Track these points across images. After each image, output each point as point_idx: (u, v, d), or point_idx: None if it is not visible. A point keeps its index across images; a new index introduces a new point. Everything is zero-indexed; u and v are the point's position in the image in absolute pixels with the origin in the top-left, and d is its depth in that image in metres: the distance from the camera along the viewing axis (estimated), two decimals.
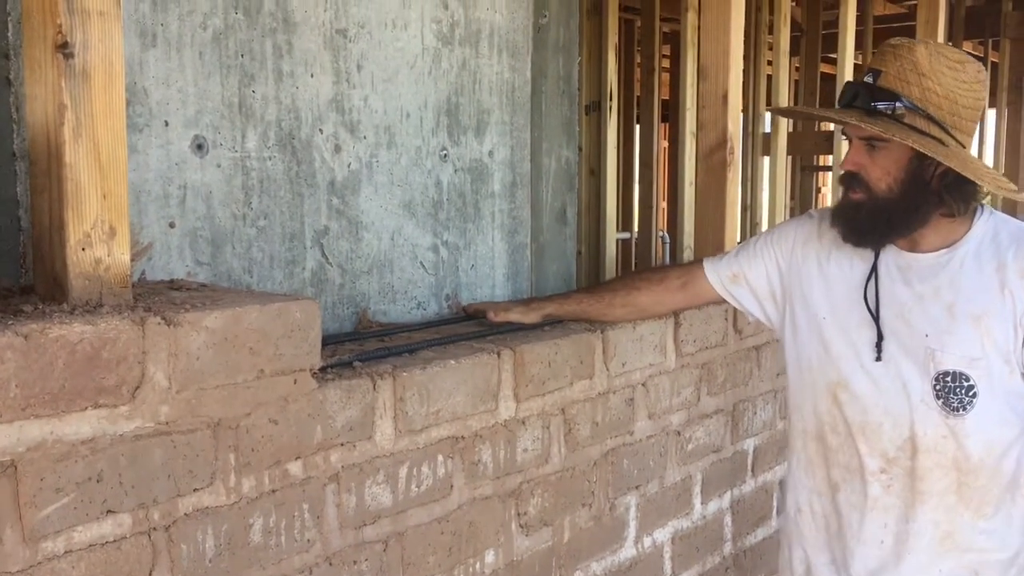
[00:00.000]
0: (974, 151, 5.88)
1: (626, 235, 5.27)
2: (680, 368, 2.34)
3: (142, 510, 1.26)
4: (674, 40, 4.94)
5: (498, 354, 1.82)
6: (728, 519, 2.61)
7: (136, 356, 1.23)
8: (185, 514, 1.32)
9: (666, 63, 6.36)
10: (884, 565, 1.68)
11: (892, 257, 1.66)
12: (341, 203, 1.97)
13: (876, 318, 1.64)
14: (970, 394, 1.56)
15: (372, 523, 1.59)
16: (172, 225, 1.69)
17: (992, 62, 6.15)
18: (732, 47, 2.70)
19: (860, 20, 5.14)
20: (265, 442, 1.41)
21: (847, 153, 1.64)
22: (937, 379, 1.58)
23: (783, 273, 1.83)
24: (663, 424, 2.30)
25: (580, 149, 3.83)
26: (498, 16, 2.29)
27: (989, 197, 1.75)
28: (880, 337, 1.63)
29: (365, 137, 2.01)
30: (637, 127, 5.31)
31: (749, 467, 2.68)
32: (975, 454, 1.59)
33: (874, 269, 1.66)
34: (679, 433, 2.36)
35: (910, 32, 4.19)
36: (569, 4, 2.56)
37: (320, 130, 1.92)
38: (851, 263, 1.71)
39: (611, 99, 3.79)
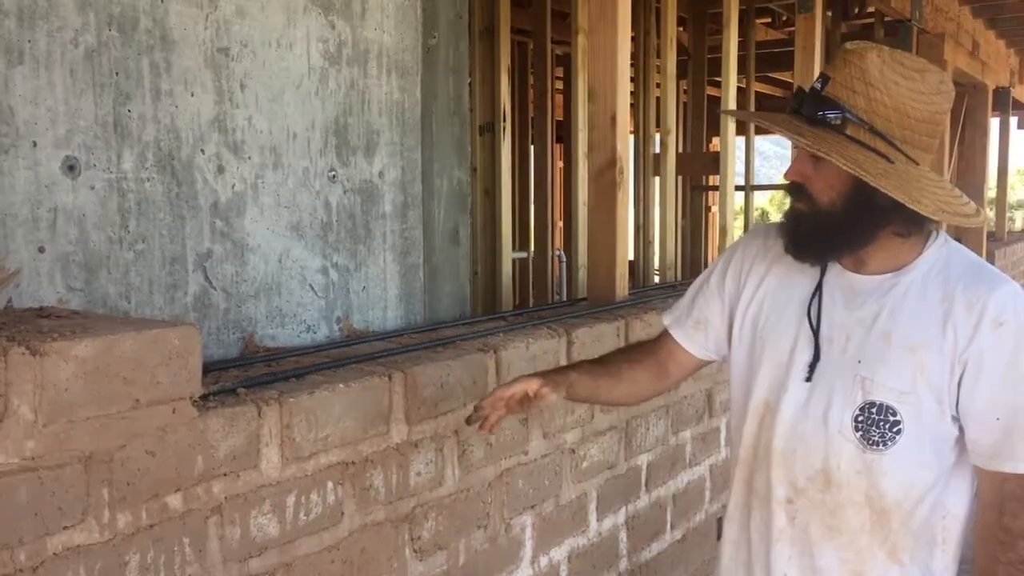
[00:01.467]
0: None
1: (523, 254, 5.30)
2: None
3: (6, 551, 1.19)
4: (567, 62, 5.02)
5: (389, 377, 1.79)
6: (623, 535, 2.63)
7: None
8: (54, 554, 1.25)
9: (560, 84, 6.46)
10: None
11: (836, 277, 1.55)
12: (225, 225, 1.92)
13: (816, 339, 1.53)
14: (893, 430, 1.46)
15: (258, 555, 1.54)
16: (42, 250, 1.61)
17: None
18: (619, 70, 2.76)
19: (743, 45, 5.32)
20: (142, 475, 1.35)
21: (792, 162, 1.52)
22: (862, 410, 1.48)
23: (732, 298, 1.69)
24: (557, 442, 2.31)
25: (474, 170, 3.85)
26: (386, 36, 2.28)
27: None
28: (816, 359, 1.53)
29: (250, 158, 1.96)
30: (532, 148, 5.36)
31: (643, 482, 2.72)
32: (890, 494, 1.48)
33: (819, 287, 1.55)
34: (573, 451, 2.38)
35: (790, 58, 4.36)
36: (458, 26, 2.56)
37: (202, 151, 1.86)
38: (795, 280, 1.60)
39: (504, 120, 3.82)
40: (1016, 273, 9.32)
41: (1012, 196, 13.53)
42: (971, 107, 7.61)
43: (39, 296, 1.60)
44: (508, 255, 3.84)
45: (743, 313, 1.66)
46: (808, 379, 1.53)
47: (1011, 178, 11.19)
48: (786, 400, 1.55)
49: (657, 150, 4.70)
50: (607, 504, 2.53)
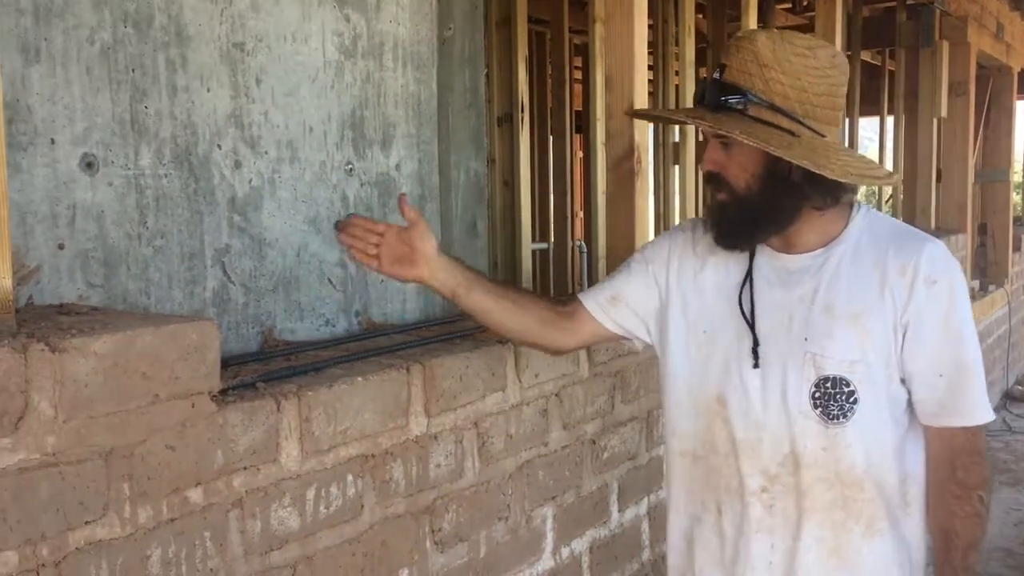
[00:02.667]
0: (870, 153, 6.01)
1: (543, 246, 5.28)
2: (593, 377, 2.35)
3: (29, 546, 1.20)
4: (585, 52, 4.99)
5: (407, 369, 1.80)
6: (646, 525, 2.62)
7: (18, 385, 1.17)
8: (76, 548, 1.26)
9: (578, 74, 6.43)
10: None
11: (767, 260, 1.57)
12: (243, 220, 1.93)
13: (752, 324, 1.54)
14: (851, 400, 1.49)
15: (279, 548, 1.55)
16: (61, 247, 1.62)
17: (889, 70, 6.38)
18: (636, 58, 2.74)
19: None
20: (162, 469, 1.36)
21: (706, 152, 1.55)
22: (817, 386, 1.49)
23: (661, 289, 1.69)
24: (578, 434, 2.30)
25: (493, 161, 3.84)
26: (402, 28, 2.28)
27: (861, 193, 1.66)
28: (756, 343, 1.54)
29: (267, 152, 1.97)
30: (551, 138, 5.34)
31: (665, 472, 2.70)
32: (858, 465, 1.51)
33: (749, 273, 1.57)
34: (594, 442, 2.37)
35: None
36: (474, 16, 2.56)
37: (218, 146, 1.87)
38: (727, 269, 1.61)
39: (522, 111, 3.80)
40: None
41: None
42: (996, 90, 7.50)
43: (59, 293, 1.61)
44: (528, 246, 3.82)
45: (680, 306, 1.65)
46: (756, 365, 1.54)
47: None
48: (740, 390, 1.56)
49: (677, 139, 4.67)
50: (629, 495, 2.53)
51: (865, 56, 6.65)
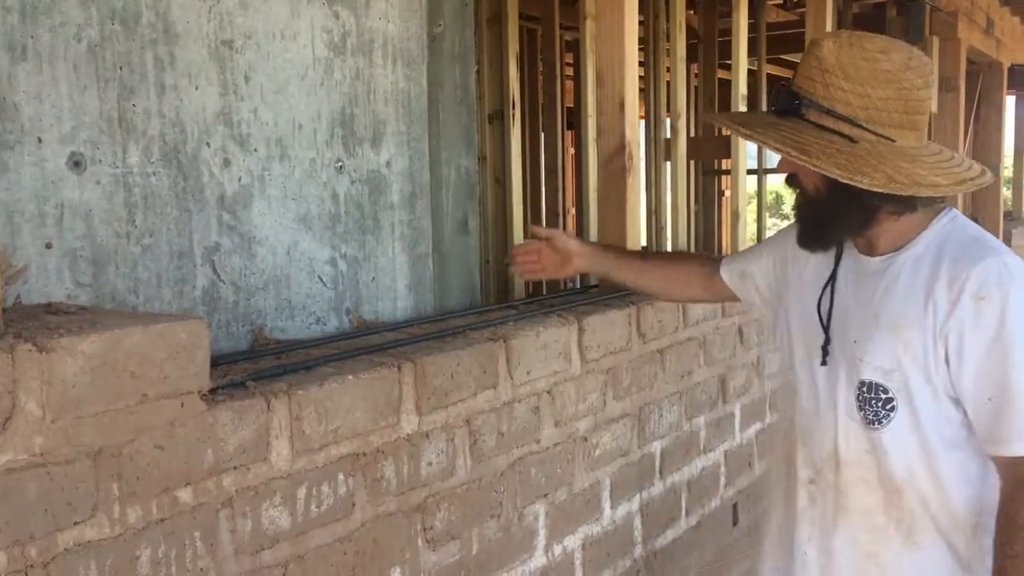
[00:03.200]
0: None
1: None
2: (585, 374, 2.35)
3: (17, 547, 1.20)
4: (576, 48, 4.99)
5: (398, 368, 1.79)
6: (638, 522, 2.63)
7: (6, 386, 1.16)
8: (65, 549, 1.25)
9: (570, 71, 6.42)
10: None
11: (850, 260, 1.61)
12: (232, 218, 1.92)
13: (826, 322, 1.60)
14: (887, 407, 1.50)
15: (270, 547, 1.54)
16: (49, 246, 1.61)
17: None
18: (627, 54, 2.74)
19: (753, 27, 5.28)
20: (151, 469, 1.35)
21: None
22: (859, 388, 1.53)
23: (777, 276, 1.81)
24: (570, 431, 2.30)
25: (484, 158, 3.83)
26: (391, 25, 2.27)
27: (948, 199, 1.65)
28: (827, 341, 1.59)
29: (256, 150, 1.96)
30: (543, 135, 5.34)
31: (657, 469, 2.71)
32: (896, 473, 1.51)
33: (833, 273, 1.62)
34: (586, 439, 2.37)
35: (802, 39, 4.31)
36: (464, 13, 2.55)
37: (207, 144, 1.86)
38: (820, 265, 1.66)
39: (514, 107, 3.79)
40: None
41: None
42: (986, 85, 7.52)
43: (47, 292, 1.60)
44: (520, 243, 3.82)
45: (782, 291, 1.78)
46: (824, 363, 1.60)
47: None
48: (806, 382, 1.64)
49: (668, 135, 4.67)
50: (621, 491, 2.53)
51: None
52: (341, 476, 1.67)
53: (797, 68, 1.52)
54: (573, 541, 2.34)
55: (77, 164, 1.64)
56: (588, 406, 2.37)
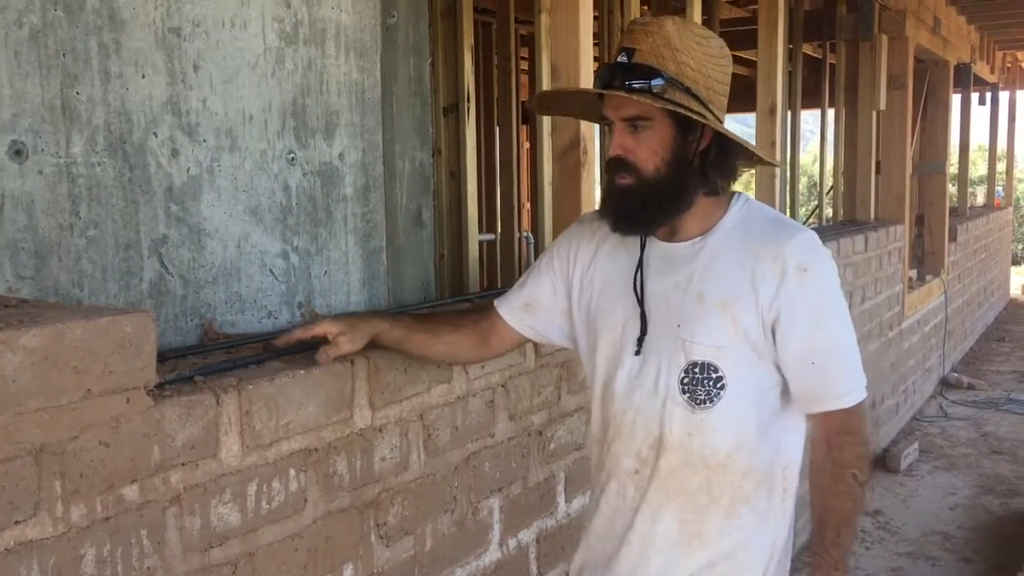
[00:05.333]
0: (811, 146, 6.07)
1: (490, 237, 5.27)
2: (540, 368, 2.35)
3: None
4: (531, 42, 4.98)
5: (351, 362, 1.77)
6: None
7: None
8: (6, 549, 1.21)
9: (525, 65, 6.42)
10: (634, 568, 1.63)
11: (653, 248, 1.61)
12: (181, 210, 1.88)
13: (643, 312, 1.59)
14: (718, 386, 1.52)
15: (220, 545, 1.52)
16: None
17: (830, 64, 6.48)
18: (582, 48, 2.73)
19: (706, 23, 5.31)
20: (96, 466, 1.32)
21: (612, 139, 1.56)
22: (686, 371, 1.53)
23: (568, 286, 1.74)
24: (524, 425, 2.30)
25: (439, 151, 3.81)
26: (344, 16, 2.24)
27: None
28: (644, 332, 1.58)
29: (205, 141, 1.92)
30: (498, 129, 5.32)
31: None
32: (722, 449, 1.55)
33: (641, 260, 1.61)
34: (541, 433, 2.37)
35: (754, 36, 4.35)
36: (418, 5, 2.53)
37: (155, 134, 1.82)
38: (618, 257, 1.66)
39: (469, 101, 3.78)
40: (979, 247, 9.45)
41: (973, 172, 13.70)
42: (933, 83, 7.67)
43: None
44: (475, 237, 3.80)
45: (578, 298, 1.73)
46: (637, 352, 1.59)
47: (972, 154, 11.33)
48: (620, 374, 1.61)
49: None
50: (576, 485, 2.53)
51: (807, 49, 6.74)
52: (292, 472, 1.65)
53: (636, 46, 1.50)
54: (528, 535, 2.34)
55: (18, 153, 1.60)
56: (543, 400, 2.36)
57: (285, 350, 1.72)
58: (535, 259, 1.89)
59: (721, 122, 1.53)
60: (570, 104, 1.83)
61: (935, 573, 4.25)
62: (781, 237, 1.54)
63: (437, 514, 2.02)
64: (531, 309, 1.79)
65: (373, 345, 1.75)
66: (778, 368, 1.55)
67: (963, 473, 5.56)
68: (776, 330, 1.52)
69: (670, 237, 1.61)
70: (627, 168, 1.53)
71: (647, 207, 1.53)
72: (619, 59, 1.51)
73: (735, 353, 1.52)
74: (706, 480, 1.56)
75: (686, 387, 1.54)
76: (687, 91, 1.49)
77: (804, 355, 1.53)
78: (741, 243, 1.55)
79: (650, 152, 1.52)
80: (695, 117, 1.49)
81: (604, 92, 1.53)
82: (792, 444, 1.62)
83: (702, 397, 1.53)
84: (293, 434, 1.64)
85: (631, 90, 1.48)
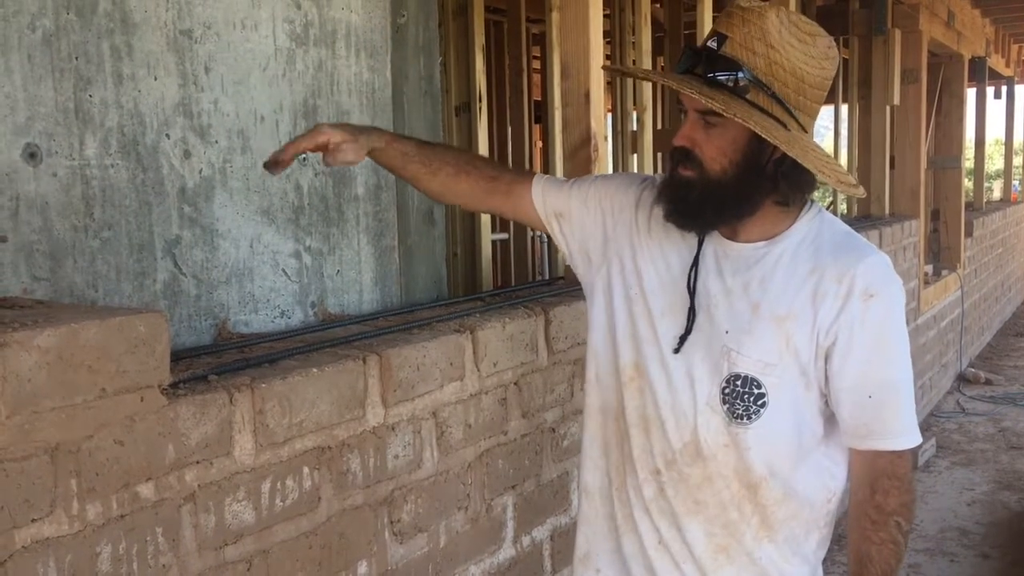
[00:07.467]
0: (825, 142, 6.05)
1: (503, 236, 5.27)
2: (553, 365, 2.35)
3: None
4: (543, 41, 4.98)
5: (364, 360, 1.78)
6: None
7: None
8: (23, 547, 1.23)
9: (537, 64, 6.42)
10: (661, 570, 1.53)
11: (712, 244, 1.49)
12: (193, 211, 1.90)
13: (692, 308, 1.47)
14: (758, 403, 1.41)
15: (234, 542, 1.53)
16: (4, 239, 1.58)
17: (843, 58, 6.45)
18: (592, 45, 2.73)
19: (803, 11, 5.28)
20: (111, 465, 1.33)
21: (682, 126, 1.44)
22: (728, 381, 1.43)
23: (608, 233, 1.61)
24: (537, 422, 2.30)
25: None
26: (354, 16, 2.25)
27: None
28: (688, 330, 1.47)
29: (217, 142, 1.93)
30: (510, 128, 5.33)
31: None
32: (756, 469, 1.44)
33: (697, 256, 1.49)
34: (554, 430, 2.37)
35: None
36: (428, 4, 2.53)
37: (167, 135, 1.83)
38: (673, 244, 1.53)
39: (480, 100, 3.78)
40: (995, 242, 9.39)
41: (990, 166, 13.61)
42: (947, 78, 7.62)
43: (3, 286, 1.57)
44: (487, 237, 3.81)
45: (617, 264, 1.58)
46: (677, 350, 1.48)
47: (988, 148, 11.25)
48: (659, 368, 1.50)
49: (634, 127, 4.68)
50: None
51: None
52: (306, 470, 1.66)
53: (728, 33, 1.36)
54: (542, 532, 2.35)
55: (32, 156, 1.61)
56: (556, 397, 2.37)
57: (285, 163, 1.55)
58: (548, 258, 1.78)
59: (807, 131, 1.40)
60: (667, 76, 1.57)
61: (953, 569, 4.23)
62: (851, 257, 1.41)
63: (451, 511, 2.02)
64: (561, 218, 1.67)
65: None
66: (823, 395, 1.44)
67: (981, 469, 5.52)
68: (831, 356, 1.40)
69: (731, 236, 1.48)
70: (692, 161, 1.41)
71: (704, 206, 1.42)
72: (708, 43, 1.38)
73: (782, 372, 1.41)
74: (738, 496, 1.46)
75: (727, 397, 1.43)
76: (772, 95, 1.35)
77: (861, 387, 1.40)
78: (807, 257, 1.43)
79: (719, 151, 1.39)
80: (765, 135, 1.33)
81: (676, 87, 1.39)
82: (837, 476, 1.50)
83: (740, 412, 1.42)
84: (306, 432, 1.65)
85: (704, 90, 1.34)
